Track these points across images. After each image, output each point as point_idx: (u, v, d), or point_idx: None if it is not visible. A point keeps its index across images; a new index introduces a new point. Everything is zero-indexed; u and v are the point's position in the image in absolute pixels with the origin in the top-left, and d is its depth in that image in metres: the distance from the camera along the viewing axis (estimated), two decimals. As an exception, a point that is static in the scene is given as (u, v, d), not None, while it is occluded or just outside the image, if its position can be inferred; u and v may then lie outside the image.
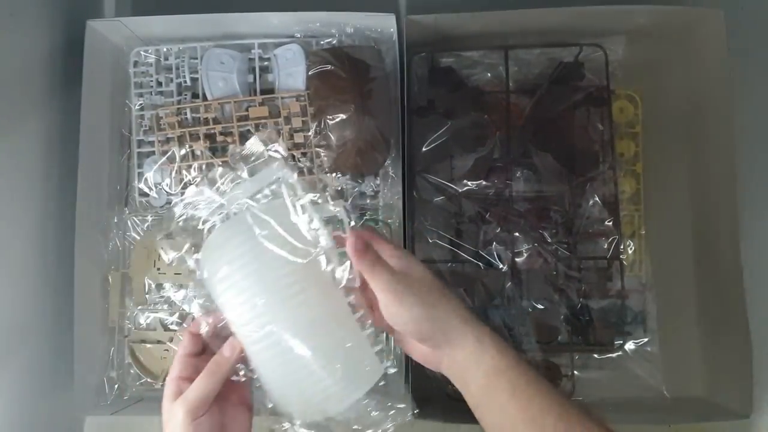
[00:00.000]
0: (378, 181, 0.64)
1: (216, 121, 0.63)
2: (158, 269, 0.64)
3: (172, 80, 0.65)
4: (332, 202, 0.43)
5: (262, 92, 0.64)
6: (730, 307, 0.60)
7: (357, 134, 0.57)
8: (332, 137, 0.57)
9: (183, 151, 0.63)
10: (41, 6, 0.61)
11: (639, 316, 0.65)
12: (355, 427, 0.45)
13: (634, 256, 0.66)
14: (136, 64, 0.65)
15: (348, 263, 0.43)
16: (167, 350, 0.65)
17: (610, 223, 0.62)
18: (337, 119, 0.57)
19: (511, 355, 0.43)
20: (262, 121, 0.62)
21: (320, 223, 0.42)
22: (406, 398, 0.60)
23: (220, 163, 0.62)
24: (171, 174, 0.63)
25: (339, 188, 0.64)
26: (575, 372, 0.63)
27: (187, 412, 0.43)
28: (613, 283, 0.63)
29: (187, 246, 0.61)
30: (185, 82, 0.65)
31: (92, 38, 0.62)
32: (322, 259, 0.43)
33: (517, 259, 0.62)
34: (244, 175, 0.46)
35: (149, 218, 0.66)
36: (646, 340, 0.65)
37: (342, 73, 0.57)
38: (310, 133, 0.62)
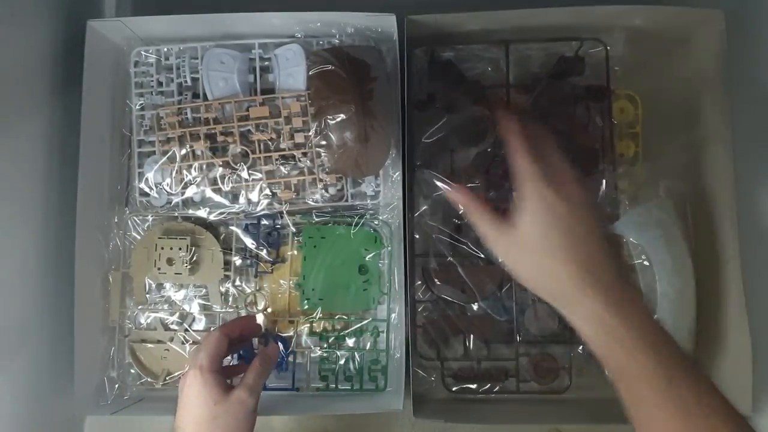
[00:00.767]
0: (378, 181, 0.64)
1: (216, 121, 0.63)
2: (159, 269, 0.64)
3: (172, 80, 0.65)
4: None
5: (263, 92, 0.64)
6: (730, 307, 0.60)
7: (357, 135, 0.57)
8: (333, 138, 0.57)
9: (183, 151, 0.63)
10: (41, 6, 0.61)
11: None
12: None
13: (634, 255, 0.66)
14: (136, 64, 0.65)
15: None
16: (167, 350, 0.65)
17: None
18: (338, 119, 0.57)
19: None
20: (263, 121, 0.62)
21: None
22: (406, 398, 0.60)
23: (221, 163, 0.63)
24: (171, 174, 0.63)
25: (339, 188, 0.64)
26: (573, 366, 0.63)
27: (256, 398, 0.51)
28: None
29: (186, 245, 0.62)
30: (186, 82, 0.65)
31: (92, 38, 0.62)
32: None
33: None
34: None
35: (150, 218, 0.66)
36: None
37: (342, 73, 0.57)
38: (310, 133, 0.62)
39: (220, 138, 0.63)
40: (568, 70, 0.65)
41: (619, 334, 0.41)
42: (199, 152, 0.63)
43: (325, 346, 0.65)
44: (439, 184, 0.55)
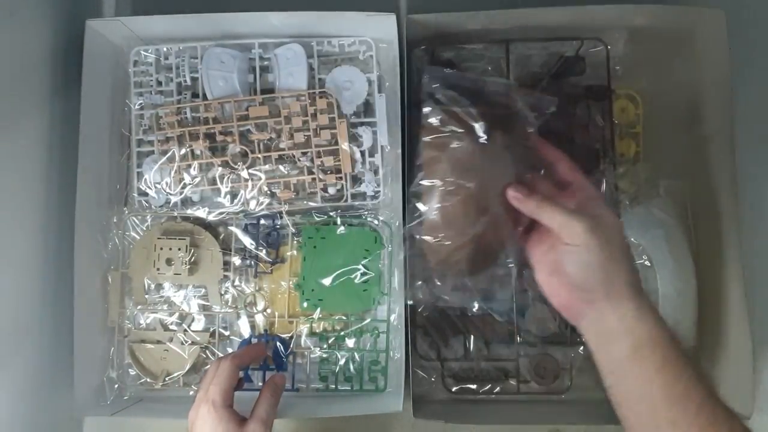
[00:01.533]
0: (378, 179, 0.64)
1: (216, 120, 0.63)
2: (158, 269, 0.63)
3: (172, 80, 0.64)
4: None
5: (263, 92, 0.64)
6: (730, 306, 0.60)
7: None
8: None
9: (183, 151, 0.63)
10: (41, 6, 0.61)
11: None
12: None
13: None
14: (135, 63, 0.65)
15: None
16: (167, 350, 0.64)
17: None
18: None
19: (666, 330, 0.42)
20: (262, 120, 0.62)
21: None
22: (406, 399, 0.60)
23: (220, 163, 0.63)
24: (170, 173, 0.63)
25: (338, 188, 0.64)
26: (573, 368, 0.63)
27: (269, 430, 0.51)
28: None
29: (185, 245, 0.62)
30: (185, 81, 0.64)
31: (92, 38, 0.62)
32: None
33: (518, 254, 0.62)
34: None
35: (149, 218, 0.66)
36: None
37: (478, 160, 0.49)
38: (309, 133, 0.62)
39: (219, 138, 0.63)
40: (569, 69, 0.65)
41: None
42: (198, 152, 0.63)
43: (325, 346, 0.65)
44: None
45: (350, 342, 0.64)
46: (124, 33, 0.64)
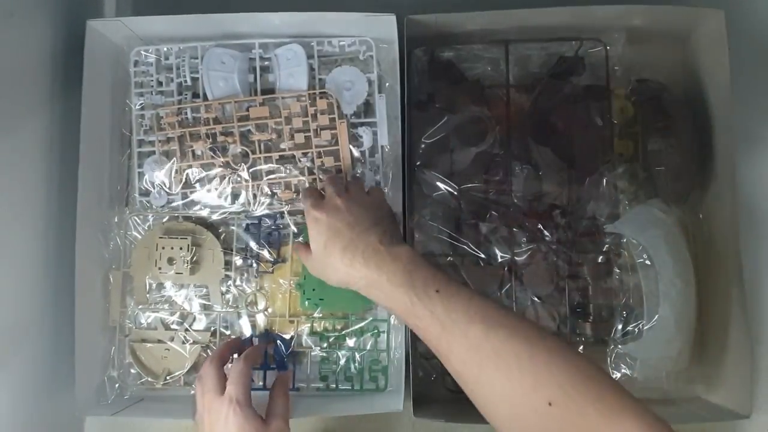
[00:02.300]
0: (378, 179, 0.64)
1: (216, 121, 0.63)
2: (159, 269, 0.64)
3: (172, 80, 0.65)
4: None
5: (263, 92, 0.64)
6: (730, 306, 0.60)
7: None
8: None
9: (183, 151, 0.63)
10: (41, 6, 0.61)
11: (638, 314, 0.65)
12: None
13: (634, 255, 0.66)
14: (136, 63, 0.65)
15: None
16: (168, 350, 0.65)
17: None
18: None
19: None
20: (263, 121, 0.62)
21: None
22: (406, 398, 0.60)
23: (221, 163, 0.63)
24: (171, 174, 0.63)
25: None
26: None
27: (287, 425, 0.54)
28: (612, 280, 0.63)
29: (187, 244, 0.62)
30: (186, 81, 0.65)
31: (92, 38, 0.62)
32: None
33: (516, 255, 0.62)
34: None
35: (150, 218, 0.66)
36: (646, 339, 0.65)
37: None
38: (310, 133, 0.62)
39: (220, 138, 0.63)
40: (568, 69, 0.65)
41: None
42: (199, 152, 0.63)
43: (326, 346, 0.65)
44: None
45: (351, 341, 0.64)
46: (125, 33, 0.64)
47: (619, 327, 0.62)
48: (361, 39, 0.64)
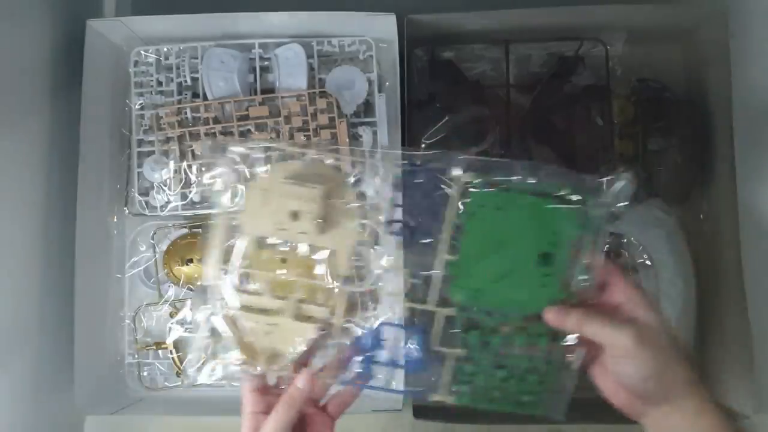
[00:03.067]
0: (378, 181, 0.64)
1: (216, 120, 0.63)
2: (278, 223, 0.47)
3: (172, 80, 0.64)
4: None
5: (263, 92, 0.64)
6: (731, 306, 0.60)
7: None
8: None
9: (183, 151, 0.63)
10: (41, 6, 0.61)
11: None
12: None
13: (634, 255, 0.66)
14: (136, 63, 0.65)
15: None
16: (275, 324, 0.47)
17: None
18: None
19: (726, 420, 0.42)
20: (263, 120, 0.62)
21: None
22: (405, 398, 0.60)
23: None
24: (171, 174, 0.63)
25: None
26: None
27: None
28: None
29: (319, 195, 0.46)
30: (186, 81, 0.65)
31: (92, 38, 0.62)
32: None
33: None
34: None
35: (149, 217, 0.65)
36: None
37: None
38: (309, 133, 0.61)
39: (219, 138, 0.63)
40: (568, 69, 0.65)
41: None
42: (198, 152, 0.63)
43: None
44: None
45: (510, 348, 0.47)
46: (125, 33, 0.64)
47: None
48: (361, 38, 0.64)
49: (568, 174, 0.45)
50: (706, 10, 0.61)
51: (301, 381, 0.44)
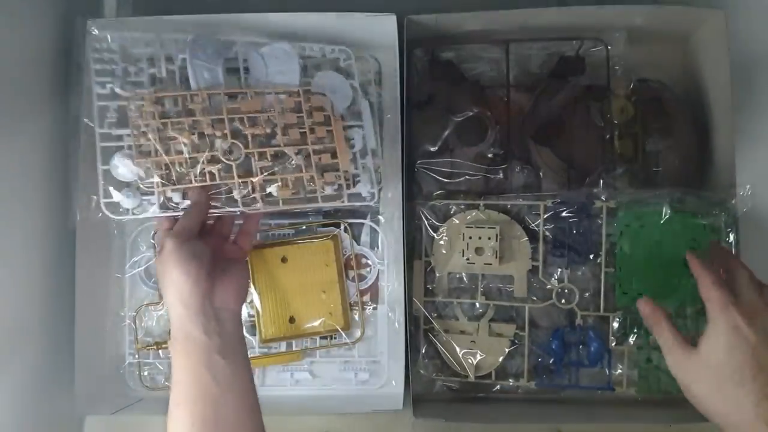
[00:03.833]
0: (377, 181, 0.63)
1: (203, 112, 0.56)
2: (467, 259, 0.62)
3: (143, 70, 0.59)
4: None
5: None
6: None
7: None
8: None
9: (161, 146, 0.56)
10: (41, 6, 0.61)
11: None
12: None
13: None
14: (96, 49, 0.58)
15: None
16: (474, 341, 0.63)
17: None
18: None
19: None
20: (253, 115, 0.57)
21: None
22: (406, 398, 0.60)
23: (209, 159, 0.57)
24: (147, 170, 0.56)
25: (336, 187, 0.62)
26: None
27: (174, 235, 0.50)
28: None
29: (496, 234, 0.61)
30: (159, 73, 0.59)
31: (92, 38, 0.61)
32: None
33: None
34: None
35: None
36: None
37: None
38: (305, 130, 0.59)
39: (208, 131, 0.57)
40: (569, 69, 0.65)
41: None
42: (180, 147, 0.56)
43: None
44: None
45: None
46: (125, 33, 0.64)
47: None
48: (340, 48, 0.62)
49: (692, 190, 0.60)
50: (705, 10, 0.61)
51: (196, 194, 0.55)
